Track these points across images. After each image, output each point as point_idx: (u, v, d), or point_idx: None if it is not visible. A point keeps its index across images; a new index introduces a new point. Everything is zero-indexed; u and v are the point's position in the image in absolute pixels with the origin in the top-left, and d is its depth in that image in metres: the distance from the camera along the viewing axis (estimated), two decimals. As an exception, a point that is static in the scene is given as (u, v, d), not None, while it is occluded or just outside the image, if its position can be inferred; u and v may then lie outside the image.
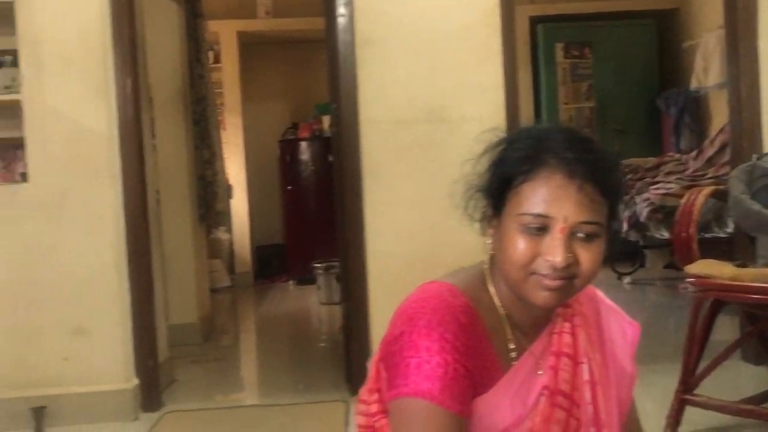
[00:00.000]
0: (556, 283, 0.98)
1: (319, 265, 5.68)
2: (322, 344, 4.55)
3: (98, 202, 2.86)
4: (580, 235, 0.98)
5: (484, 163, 1.09)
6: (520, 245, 0.98)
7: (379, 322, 2.92)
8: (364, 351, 2.98)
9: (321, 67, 7.13)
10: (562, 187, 0.97)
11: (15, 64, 2.93)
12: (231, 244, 6.86)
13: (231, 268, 6.82)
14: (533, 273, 0.98)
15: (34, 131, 2.85)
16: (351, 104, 2.95)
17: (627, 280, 5.55)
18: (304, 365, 3.91)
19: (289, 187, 6.79)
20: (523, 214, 0.98)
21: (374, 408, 1.10)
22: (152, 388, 2.98)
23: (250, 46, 6.89)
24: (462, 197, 1.12)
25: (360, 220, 2.95)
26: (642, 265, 5.65)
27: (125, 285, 2.89)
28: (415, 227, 2.94)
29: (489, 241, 1.08)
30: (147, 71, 3.41)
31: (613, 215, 1.03)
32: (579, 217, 0.97)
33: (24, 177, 2.89)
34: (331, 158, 6.62)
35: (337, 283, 5.48)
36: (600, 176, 0.99)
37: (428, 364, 0.96)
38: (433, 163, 2.93)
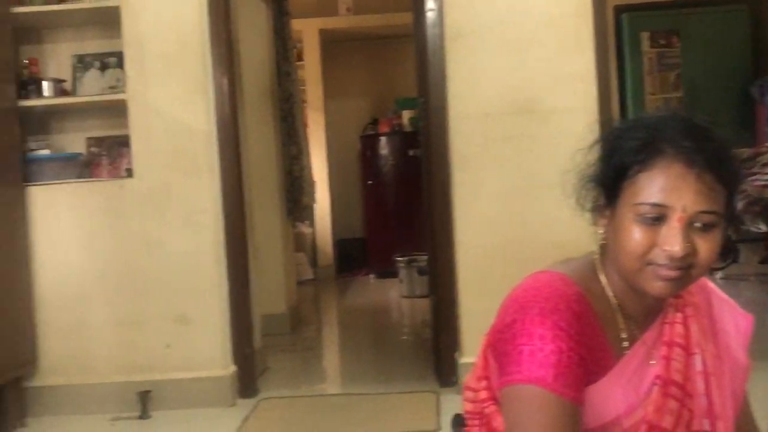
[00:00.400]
0: (673, 273, 0.97)
1: (401, 258, 5.72)
2: (405, 337, 4.60)
3: (198, 196, 2.99)
4: (698, 224, 0.97)
5: (596, 153, 1.09)
6: (636, 235, 0.98)
7: (468, 314, 2.94)
8: (453, 343, 3.00)
9: (401, 63, 7.20)
10: (681, 177, 0.96)
11: (120, 65, 3.09)
12: (314, 237, 7.00)
13: (314, 262, 6.96)
14: (649, 263, 0.98)
15: (138, 129, 3.00)
16: (440, 98, 2.98)
17: (719, 275, 5.35)
18: (388, 357, 3.97)
19: (370, 182, 6.87)
20: (640, 203, 0.98)
21: (483, 395, 1.13)
22: (248, 375, 3.09)
23: (332, 44, 7.00)
24: (572, 187, 1.12)
25: (448, 213, 2.97)
26: (735, 260, 5.43)
27: (223, 276, 3.00)
28: (505, 219, 2.94)
29: (601, 231, 1.08)
30: (240, 70, 3.53)
31: (730, 204, 1.02)
32: (698, 206, 0.96)
33: (129, 172, 3.04)
34: (411, 152, 6.67)
35: (419, 277, 5.52)
36: (718, 165, 0.98)
37: (542, 352, 0.97)
38: (523, 154, 2.92)
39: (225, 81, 3.02)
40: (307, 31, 6.68)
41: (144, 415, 2.87)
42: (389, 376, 3.45)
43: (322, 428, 2.75)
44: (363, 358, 4.11)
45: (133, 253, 2.98)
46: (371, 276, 6.81)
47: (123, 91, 3.03)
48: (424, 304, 5.21)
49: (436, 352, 3.22)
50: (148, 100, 2.99)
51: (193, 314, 2.98)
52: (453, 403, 2.69)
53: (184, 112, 2.98)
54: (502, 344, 1.03)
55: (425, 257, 5.57)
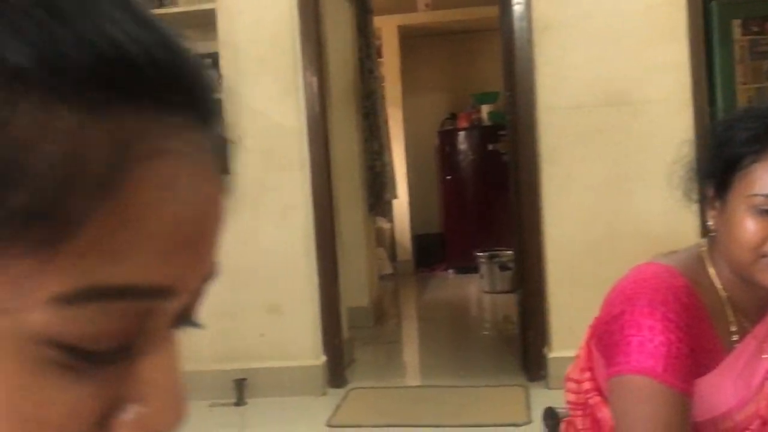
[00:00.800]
0: None
1: (482, 254, 5.71)
2: (486, 332, 4.60)
3: (290, 191, 3.08)
4: None
5: (704, 145, 1.08)
6: (750, 227, 0.97)
7: (558, 309, 2.92)
8: (542, 337, 2.99)
9: (479, 58, 7.18)
10: None
11: (214, 66, 3.21)
12: (392, 233, 7.06)
13: (393, 257, 7.02)
14: (764, 255, 0.97)
15: (232, 127, 3.11)
16: (527, 91, 2.96)
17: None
18: (470, 351, 3.98)
19: (448, 177, 6.87)
20: (754, 195, 0.97)
21: (587, 386, 1.13)
22: (338, 365, 3.17)
23: (410, 39, 7.04)
24: (678, 179, 1.11)
25: (537, 207, 2.96)
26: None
27: (314, 268, 3.09)
28: (596, 213, 2.91)
29: (710, 222, 1.07)
30: (328, 68, 3.61)
31: None
32: None
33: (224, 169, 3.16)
34: (491, 147, 6.64)
35: (501, 272, 5.50)
36: None
37: (651, 343, 0.97)
38: (614, 147, 2.88)
39: (315, 80, 3.10)
40: (386, 27, 6.73)
41: (240, 401, 2.98)
42: (472, 370, 3.47)
43: (413, 419, 2.79)
44: (445, 352, 4.13)
45: (229, 247, 3.08)
46: (450, 271, 6.82)
47: (217, 92, 3.14)
48: (506, 300, 5.18)
49: (523, 346, 3.21)
50: (242, 100, 3.10)
51: (285, 305, 3.08)
52: (543, 397, 2.69)
53: (276, 111, 3.08)
54: (609, 336, 1.03)
55: (507, 252, 5.56)
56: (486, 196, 6.61)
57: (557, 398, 1.29)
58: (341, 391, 3.10)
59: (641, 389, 0.97)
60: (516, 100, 3.04)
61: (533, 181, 2.96)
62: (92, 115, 0.26)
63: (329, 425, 2.72)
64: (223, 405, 2.99)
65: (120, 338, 0.28)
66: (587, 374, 1.14)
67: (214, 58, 3.20)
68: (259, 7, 3.07)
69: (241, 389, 3.00)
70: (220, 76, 3.15)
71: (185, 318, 0.32)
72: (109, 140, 0.26)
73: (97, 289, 0.27)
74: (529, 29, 2.94)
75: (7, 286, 0.26)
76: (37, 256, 0.26)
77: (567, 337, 2.80)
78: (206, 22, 3.14)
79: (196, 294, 0.32)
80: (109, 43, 0.26)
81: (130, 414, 0.29)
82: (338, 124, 4.30)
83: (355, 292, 4.38)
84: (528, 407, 2.74)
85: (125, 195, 0.27)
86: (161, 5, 3.25)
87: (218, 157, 0.31)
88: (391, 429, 2.71)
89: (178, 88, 0.29)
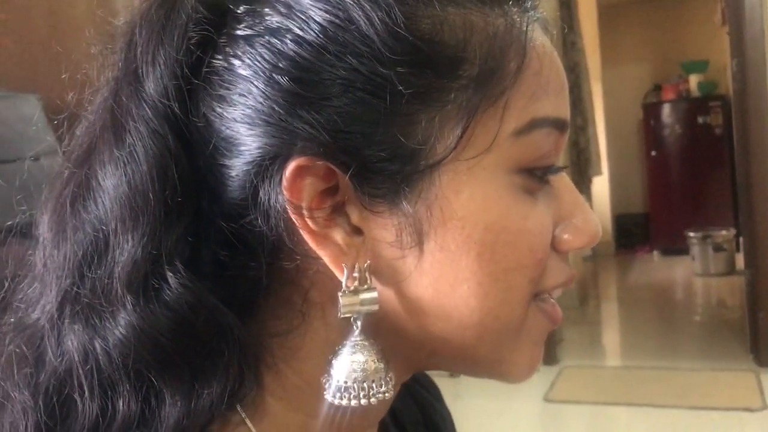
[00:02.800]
0: None
1: (693, 234, 5.36)
2: (698, 317, 4.34)
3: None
4: None
5: None
6: None
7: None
8: (776, 321, 2.78)
9: (687, 23, 6.70)
10: None
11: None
12: (591, 212, 6.85)
13: (591, 237, 6.82)
14: None
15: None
16: (758, 59, 2.74)
17: None
18: (680, 335, 3.79)
19: (653, 153, 6.52)
20: None
21: None
22: (550, 342, 3.16)
23: (609, 8, 6.74)
24: None
25: (770, 182, 2.74)
26: None
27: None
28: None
29: None
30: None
31: None
32: None
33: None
34: (701, 120, 6.20)
35: (715, 254, 5.15)
36: None
37: None
38: None
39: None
40: (584, -2, 6.50)
41: (454, 373, 3.08)
42: (686, 353, 3.31)
43: (634, 398, 2.72)
44: (654, 334, 3.96)
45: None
46: (655, 253, 6.49)
47: None
48: (721, 284, 4.86)
49: (753, 330, 3.00)
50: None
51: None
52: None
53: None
54: None
55: (722, 233, 5.19)
56: (696, 173, 6.19)
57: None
58: (554, 368, 3.09)
59: None
60: (745, 67, 2.82)
61: (764, 156, 2.74)
62: (492, 6, 0.39)
63: (546, 400, 2.73)
64: (439, 375, 3.09)
65: (550, 158, 0.40)
66: None
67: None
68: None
69: (454, 361, 3.09)
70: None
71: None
72: (510, 20, 0.39)
73: (536, 120, 0.38)
74: (763, -11, 2.71)
75: (486, 130, 0.37)
76: (496, 104, 0.37)
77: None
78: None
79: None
80: None
81: (566, 229, 0.41)
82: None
83: (559, 271, 4.32)
84: (761, 393, 2.57)
85: (532, 57, 0.39)
86: None
87: (547, 29, 0.43)
88: (611, 407, 2.67)
89: None
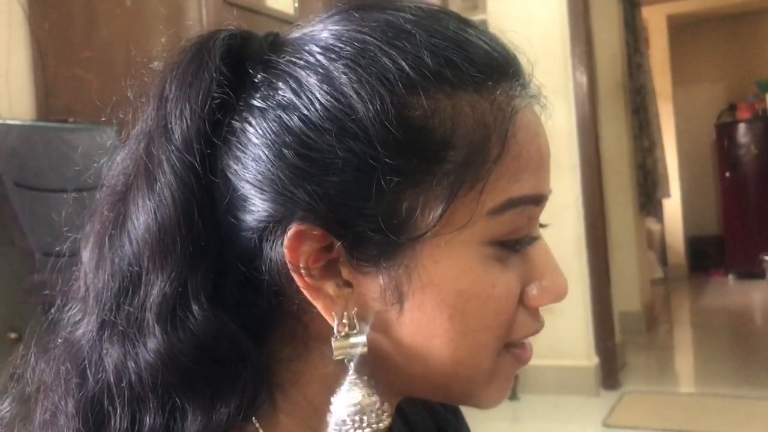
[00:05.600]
0: None
1: (769, 257, 5.18)
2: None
3: (560, 192, 3.11)
4: None
5: None
6: None
7: None
8: None
9: (762, 41, 6.51)
10: None
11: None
12: (662, 234, 6.69)
13: (663, 260, 6.65)
14: None
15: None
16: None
17: None
18: (754, 362, 3.65)
19: (727, 174, 6.33)
20: None
21: None
22: (610, 367, 3.13)
23: (680, 28, 6.62)
24: None
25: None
26: None
27: (585, 269, 3.08)
28: None
29: None
30: (596, 67, 3.57)
31: None
32: None
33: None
34: (778, 140, 5.99)
35: (792, 278, 4.95)
36: None
37: None
38: None
39: (584, 79, 3.10)
40: (654, 18, 6.41)
41: (513, 396, 3.09)
42: (761, 381, 3.19)
43: (693, 425, 2.67)
44: (726, 361, 3.85)
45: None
46: (730, 276, 6.28)
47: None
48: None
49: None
50: (512, 104, 3.20)
51: (556, 305, 3.10)
52: None
53: (546, 113, 3.12)
54: None
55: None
56: (773, 194, 5.98)
57: None
58: (615, 394, 3.05)
59: None
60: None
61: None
62: (480, 94, 0.42)
63: (605, 425, 2.71)
64: (497, 398, 3.11)
65: (523, 231, 0.44)
66: None
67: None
68: (529, 12, 3.15)
69: (514, 384, 3.08)
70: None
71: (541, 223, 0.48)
72: (496, 107, 0.43)
73: (513, 200, 0.43)
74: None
75: (464, 210, 0.42)
76: (476, 187, 0.42)
77: None
78: (478, 32, 3.30)
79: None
80: (481, 53, 0.44)
81: (534, 289, 0.46)
82: (607, 121, 4.22)
83: (626, 295, 4.25)
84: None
85: (514, 137, 0.43)
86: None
87: (538, 104, 0.47)
88: (671, 435, 2.62)
89: (514, 67, 0.45)
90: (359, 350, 0.43)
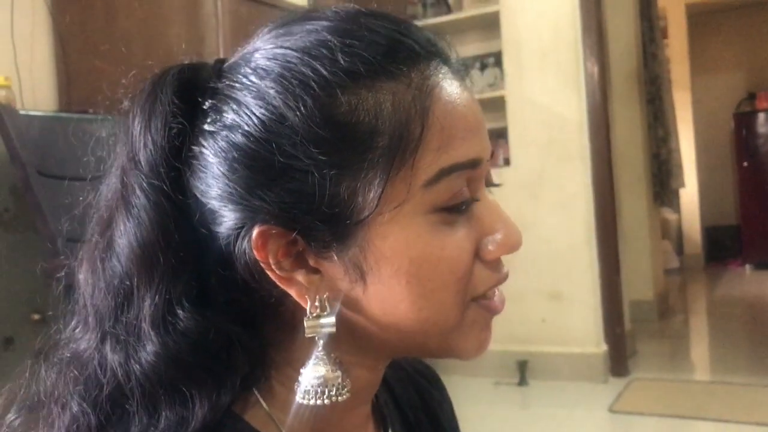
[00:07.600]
0: None
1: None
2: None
3: (570, 181, 3.14)
4: None
5: None
6: None
7: None
8: None
9: (784, 29, 6.44)
10: None
11: (497, 64, 3.39)
12: (679, 224, 6.68)
13: (679, 250, 6.65)
14: None
15: (515, 121, 3.27)
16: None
17: None
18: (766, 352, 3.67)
19: (745, 164, 6.31)
20: None
21: None
22: (619, 354, 3.17)
23: (699, 17, 6.58)
24: None
25: None
26: None
27: (594, 257, 3.12)
28: None
29: None
30: (608, 55, 3.59)
31: None
32: None
33: (507, 161, 3.33)
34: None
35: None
36: None
37: None
38: None
39: (596, 69, 3.12)
40: (672, 7, 6.37)
41: (522, 382, 3.14)
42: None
43: (700, 412, 2.70)
44: (741, 350, 3.85)
45: (511, 235, 3.25)
46: (747, 266, 6.26)
47: (501, 88, 3.32)
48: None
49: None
50: (524, 94, 3.24)
51: (565, 292, 3.16)
52: None
53: (557, 103, 3.16)
54: None
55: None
56: (792, 183, 5.95)
57: None
58: (623, 381, 3.09)
59: None
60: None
61: None
62: (396, 81, 0.47)
63: (611, 411, 2.75)
64: (507, 384, 3.17)
65: (463, 194, 0.48)
66: None
67: (497, 56, 3.38)
68: (541, 3, 3.17)
69: (523, 370, 3.15)
70: (502, 73, 3.33)
71: (488, 181, 0.53)
72: (413, 89, 0.47)
73: (444, 169, 0.47)
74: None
75: (401, 187, 0.47)
76: (407, 164, 0.47)
77: None
78: (490, 23, 3.33)
79: (487, 164, 0.51)
80: (392, 45, 0.48)
81: (489, 243, 0.51)
82: (620, 111, 4.24)
83: (639, 284, 4.27)
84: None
85: (435, 110, 0.47)
86: (449, 12, 3.52)
87: (462, 77, 0.51)
88: (675, 420, 2.66)
89: (429, 49, 0.50)
90: (327, 330, 0.49)
